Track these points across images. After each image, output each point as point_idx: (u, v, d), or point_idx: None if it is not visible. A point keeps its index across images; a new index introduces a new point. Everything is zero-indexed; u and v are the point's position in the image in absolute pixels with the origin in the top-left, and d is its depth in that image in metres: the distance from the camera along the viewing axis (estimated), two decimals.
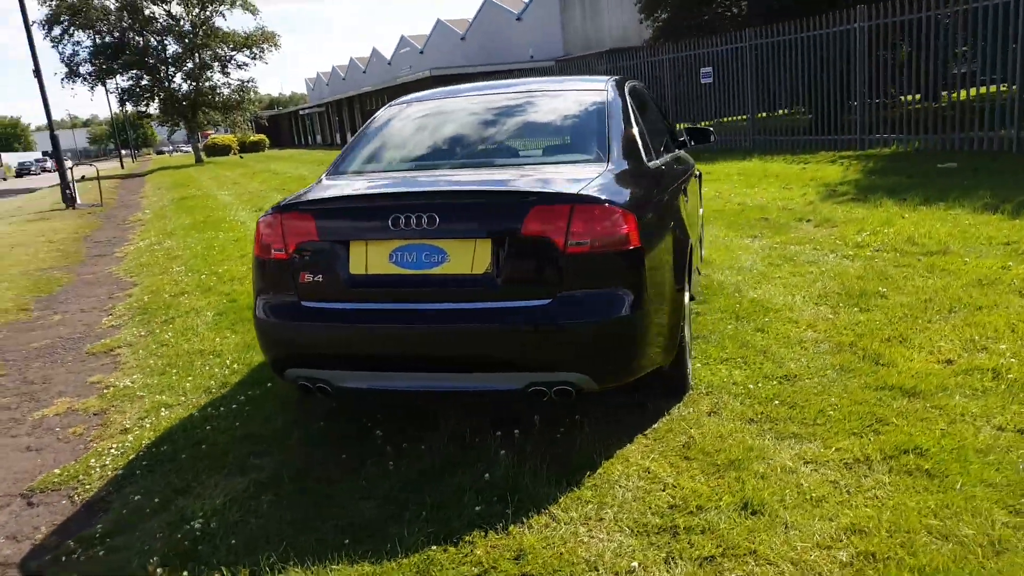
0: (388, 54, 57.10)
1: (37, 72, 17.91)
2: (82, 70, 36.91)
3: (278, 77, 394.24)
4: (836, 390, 3.52)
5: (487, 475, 2.94)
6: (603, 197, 2.92)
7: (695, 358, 4.06)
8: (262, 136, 55.95)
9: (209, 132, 53.26)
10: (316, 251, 3.07)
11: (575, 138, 3.61)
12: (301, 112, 64.33)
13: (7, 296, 7.69)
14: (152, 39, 37.76)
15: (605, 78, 4.05)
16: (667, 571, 2.34)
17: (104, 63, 36.97)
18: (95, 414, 4.15)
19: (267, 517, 2.79)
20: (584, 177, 3.13)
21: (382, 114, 4.15)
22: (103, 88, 42.93)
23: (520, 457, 3.06)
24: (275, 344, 3.22)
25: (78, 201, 18.11)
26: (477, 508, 2.71)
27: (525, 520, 2.64)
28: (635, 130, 3.66)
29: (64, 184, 18.01)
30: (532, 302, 2.87)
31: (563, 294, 2.87)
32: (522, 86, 4.15)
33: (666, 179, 3.77)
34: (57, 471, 3.44)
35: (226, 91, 39.19)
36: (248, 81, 39.21)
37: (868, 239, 6.46)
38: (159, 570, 2.48)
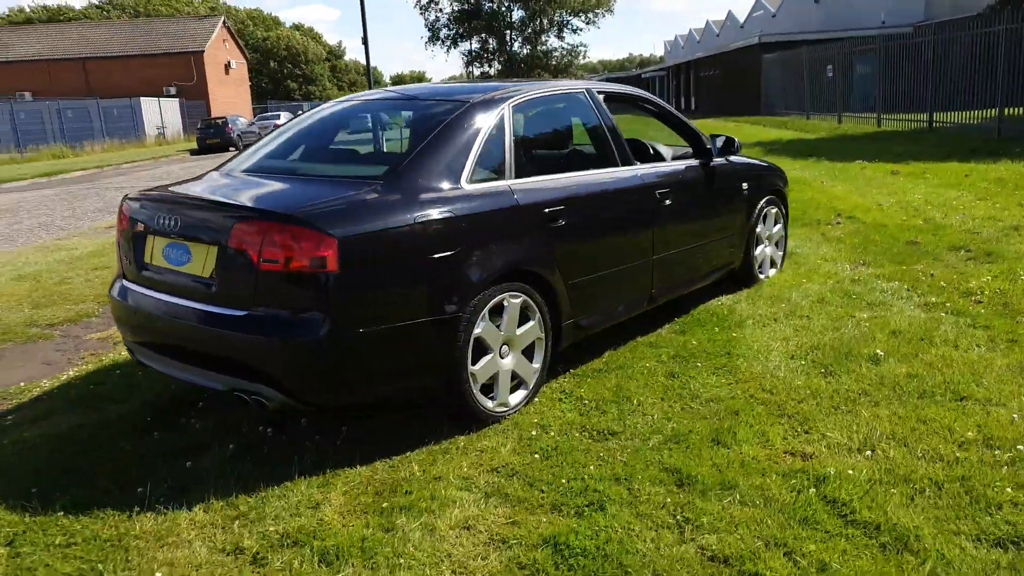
0: (743, 17, 54.70)
1: (365, 40, 20.77)
2: (441, 34, 41.55)
3: (655, 36, 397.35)
4: (615, 460, 3.07)
5: (189, 463, 3.18)
6: (303, 217, 2.92)
7: (561, 392, 3.77)
8: None
9: None
10: (130, 238, 3.53)
11: (385, 153, 3.54)
12: (643, 75, 64.74)
13: None
14: (502, 5, 40.96)
15: (491, 90, 3.83)
16: None
17: (460, 29, 41.15)
18: (115, 344, 5.12)
19: (27, 456, 3.33)
20: (327, 195, 3.16)
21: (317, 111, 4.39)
22: (456, 51, 47.60)
23: (239, 456, 3.23)
24: (112, 311, 3.79)
25: None
26: (140, 489, 2.97)
27: (161, 513, 2.82)
28: (471, 153, 3.44)
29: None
30: (232, 311, 3.01)
31: (257, 308, 2.97)
32: (412, 97, 4.05)
33: (494, 206, 3.43)
34: (24, 384, 4.38)
35: (557, 55, 41.20)
36: (578, 46, 40.73)
37: (991, 285, 5.11)
38: None
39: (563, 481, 2.94)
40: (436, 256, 3.17)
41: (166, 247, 3.31)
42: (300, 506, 2.86)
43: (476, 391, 3.36)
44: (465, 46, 41.99)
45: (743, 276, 5.39)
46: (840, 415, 3.39)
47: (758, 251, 5.48)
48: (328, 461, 3.18)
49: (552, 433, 3.35)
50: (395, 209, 3.13)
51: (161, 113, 40.88)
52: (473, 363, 3.33)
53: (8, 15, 60.35)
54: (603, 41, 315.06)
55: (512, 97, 3.80)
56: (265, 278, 2.93)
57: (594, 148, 4.29)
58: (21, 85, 44.29)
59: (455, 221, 3.26)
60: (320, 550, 2.57)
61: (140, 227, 3.47)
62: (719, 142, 4.94)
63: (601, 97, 4.32)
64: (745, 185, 5.18)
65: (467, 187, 3.39)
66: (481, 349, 3.37)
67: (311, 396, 3.06)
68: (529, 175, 3.70)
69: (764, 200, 5.40)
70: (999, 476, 2.80)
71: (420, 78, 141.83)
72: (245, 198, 3.19)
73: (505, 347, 3.50)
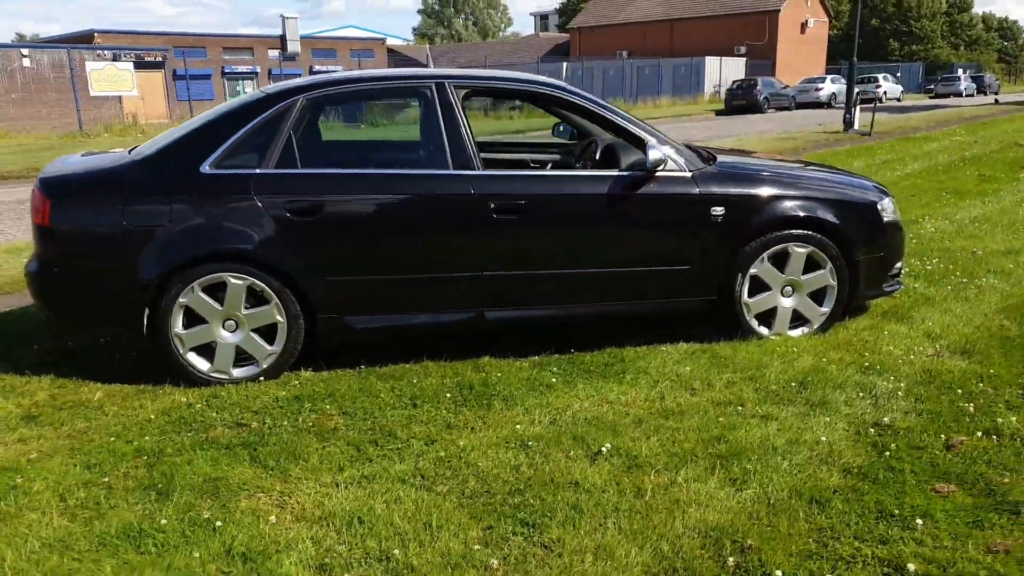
0: None
1: None
2: None
3: None
4: (165, 446, 3.20)
5: (37, 346, 4.35)
6: (41, 183, 3.79)
7: (297, 382, 3.88)
8: None
9: None
10: None
11: (181, 137, 3.97)
12: None
13: None
14: None
15: (306, 82, 3.98)
16: None
17: None
18: None
19: None
20: (91, 168, 3.97)
21: None
22: None
23: (54, 351, 4.29)
24: None
25: (855, 126, 18.61)
26: None
27: None
28: (227, 141, 3.75)
29: (848, 108, 18.74)
30: None
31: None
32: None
33: (222, 192, 3.72)
34: None
35: None
36: None
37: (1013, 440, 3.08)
38: None
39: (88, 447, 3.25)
40: (137, 227, 3.67)
41: None
42: (10, 392, 3.81)
43: (183, 352, 3.77)
44: None
45: (729, 322, 4.23)
46: (394, 494, 2.84)
47: (755, 299, 4.18)
48: (95, 374, 3.95)
49: (197, 407, 3.57)
50: (116, 181, 3.77)
51: (721, 72, 42.60)
52: (186, 328, 3.76)
53: None
54: None
55: (313, 90, 3.90)
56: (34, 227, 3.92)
57: (418, 147, 4.00)
58: (623, 45, 50.84)
59: (164, 199, 3.69)
60: None
61: None
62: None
63: (460, 93, 3.94)
64: (719, 211, 4.01)
65: (207, 171, 3.72)
66: (198, 318, 3.77)
67: (48, 315, 3.97)
68: (299, 167, 3.80)
69: (778, 234, 4.08)
70: None
71: None
72: (59, 167, 4.13)
73: (231, 322, 3.79)
